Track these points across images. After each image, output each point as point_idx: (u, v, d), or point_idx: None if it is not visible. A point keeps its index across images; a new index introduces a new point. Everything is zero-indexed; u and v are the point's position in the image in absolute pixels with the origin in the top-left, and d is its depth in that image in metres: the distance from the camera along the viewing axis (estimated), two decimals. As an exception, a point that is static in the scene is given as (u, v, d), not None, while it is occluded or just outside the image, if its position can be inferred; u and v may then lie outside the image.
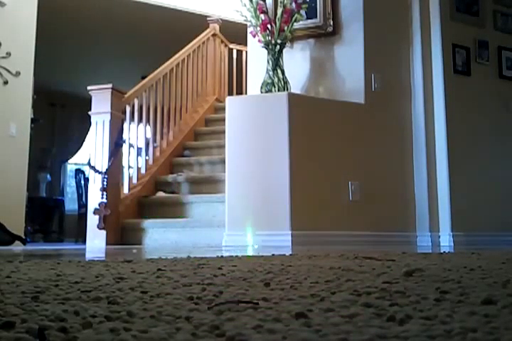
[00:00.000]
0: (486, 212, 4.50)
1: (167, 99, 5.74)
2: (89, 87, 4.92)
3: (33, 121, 5.92)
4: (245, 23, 4.43)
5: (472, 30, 4.69)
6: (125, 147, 5.12)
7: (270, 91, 4.20)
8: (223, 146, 4.26)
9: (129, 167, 5.33)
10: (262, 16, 4.28)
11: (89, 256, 2.85)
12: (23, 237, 4.99)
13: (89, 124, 5.01)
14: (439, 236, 4.34)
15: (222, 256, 2.02)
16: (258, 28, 4.28)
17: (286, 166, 3.88)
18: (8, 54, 5.43)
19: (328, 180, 4.09)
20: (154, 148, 5.51)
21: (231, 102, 4.21)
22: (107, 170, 4.69)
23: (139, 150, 5.46)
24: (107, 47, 8.51)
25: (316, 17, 4.43)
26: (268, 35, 4.25)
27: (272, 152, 3.96)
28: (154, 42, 8.14)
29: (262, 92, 4.25)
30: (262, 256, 2.04)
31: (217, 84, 6.71)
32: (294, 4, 4.24)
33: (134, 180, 5.18)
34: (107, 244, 4.55)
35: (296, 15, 4.23)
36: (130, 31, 8.00)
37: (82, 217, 6.54)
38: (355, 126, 4.31)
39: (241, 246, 3.71)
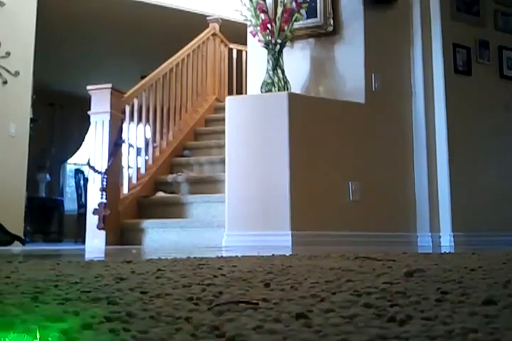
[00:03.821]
0: (486, 212, 4.50)
1: (167, 98, 5.74)
2: (88, 87, 4.91)
3: (32, 121, 5.91)
4: (245, 22, 4.43)
5: (473, 30, 4.69)
6: (125, 147, 5.12)
7: (270, 91, 4.20)
8: (223, 146, 4.25)
9: (129, 167, 5.32)
10: (262, 16, 4.28)
11: (88, 256, 2.85)
12: (23, 237, 4.99)
13: (89, 124, 5.01)
14: (440, 237, 4.34)
15: (222, 257, 2.02)
16: (258, 28, 4.28)
17: (286, 166, 3.88)
18: (8, 54, 5.43)
19: (328, 180, 4.09)
20: (154, 148, 5.51)
21: (231, 102, 4.21)
22: (106, 170, 4.69)
23: (138, 150, 5.46)
24: (107, 47, 8.51)
25: (316, 16, 4.43)
26: (268, 35, 4.25)
27: (271, 152, 3.96)
28: (154, 42, 8.14)
29: (262, 92, 4.25)
30: (262, 256, 2.04)
31: (217, 84, 6.71)
32: (294, 4, 4.24)
33: (134, 180, 5.18)
34: (107, 244, 4.55)
35: (296, 14, 4.23)
36: (130, 31, 8.00)
37: (81, 217, 6.54)
38: (355, 126, 4.31)
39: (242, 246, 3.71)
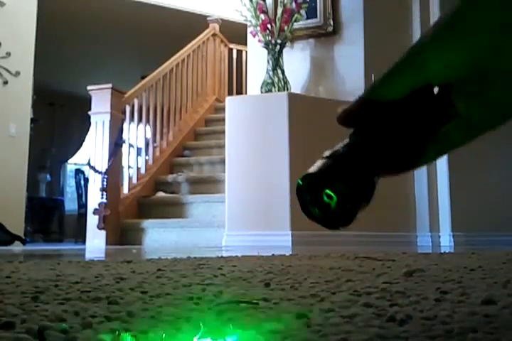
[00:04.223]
0: (486, 212, 4.50)
1: (167, 99, 5.74)
2: (89, 87, 4.92)
3: (32, 121, 5.92)
4: (245, 22, 4.43)
5: (472, 30, 4.69)
6: (125, 147, 5.12)
7: (270, 91, 4.20)
8: (223, 146, 4.26)
9: (129, 167, 5.33)
10: (262, 16, 4.28)
11: (89, 256, 2.85)
12: (23, 237, 4.99)
13: (89, 124, 5.01)
14: (440, 237, 4.34)
15: (222, 256, 2.02)
16: (258, 28, 4.29)
17: (286, 166, 3.88)
18: (8, 54, 5.43)
19: (328, 180, 4.09)
20: (154, 148, 5.51)
21: (231, 102, 4.21)
22: (106, 170, 4.69)
23: (138, 150, 5.46)
24: (107, 47, 8.51)
25: (316, 17, 4.43)
26: (268, 35, 4.25)
27: (271, 152, 3.96)
28: (154, 42, 8.14)
29: (262, 92, 4.25)
30: (262, 256, 2.04)
31: (217, 84, 6.71)
32: (294, 4, 4.24)
33: (134, 180, 5.18)
34: (107, 244, 4.55)
35: (296, 15, 4.24)
36: (130, 31, 8.00)
37: (81, 217, 6.54)
38: (355, 126, 4.31)
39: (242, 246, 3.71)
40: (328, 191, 0.50)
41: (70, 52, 8.49)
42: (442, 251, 2.59)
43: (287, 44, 4.36)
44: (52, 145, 10.03)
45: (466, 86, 0.50)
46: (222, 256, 2.02)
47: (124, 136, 5.04)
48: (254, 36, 4.37)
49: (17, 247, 4.51)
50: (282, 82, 4.22)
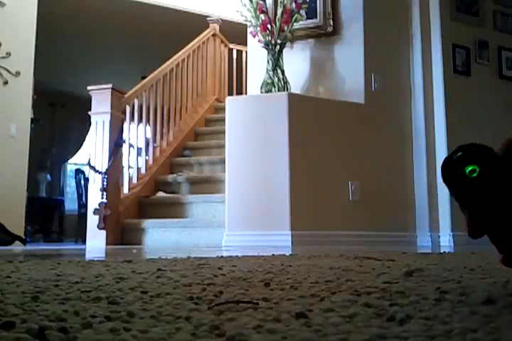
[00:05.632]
0: (486, 212, 4.49)
1: (167, 99, 5.74)
2: (89, 87, 4.92)
3: (33, 121, 5.92)
4: (245, 23, 4.43)
5: (472, 30, 4.69)
6: (125, 147, 5.12)
7: (270, 91, 4.20)
8: (223, 146, 4.26)
9: (129, 167, 5.33)
10: (262, 16, 4.28)
11: (89, 256, 2.85)
12: (23, 237, 4.99)
13: (89, 124, 5.01)
14: (439, 236, 4.34)
15: (222, 256, 2.02)
16: (258, 28, 4.29)
17: (286, 166, 3.88)
18: (8, 54, 5.44)
19: (328, 180, 4.09)
20: (154, 148, 5.51)
21: (231, 102, 4.21)
22: (106, 170, 4.69)
23: (138, 150, 5.46)
24: (107, 47, 8.51)
25: (316, 17, 4.43)
26: (268, 35, 4.25)
27: (271, 152, 3.96)
28: (154, 42, 8.14)
29: (262, 92, 4.25)
30: (262, 256, 2.04)
31: (217, 84, 6.71)
32: (294, 4, 4.24)
33: (134, 180, 5.18)
34: (107, 244, 4.55)
35: (296, 15, 4.24)
36: (130, 31, 8.00)
37: (82, 217, 6.54)
38: (355, 126, 4.31)
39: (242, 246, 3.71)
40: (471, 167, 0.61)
41: (70, 52, 8.49)
42: (442, 251, 2.59)
43: (287, 44, 4.36)
44: (52, 145, 10.03)
45: None
46: (222, 256, 2.02)
47: (124, 136, 5.04)
48: (254, 36, 4.37)
49: (17, 247, 4.51)
50: (282, 82, 4.22)
